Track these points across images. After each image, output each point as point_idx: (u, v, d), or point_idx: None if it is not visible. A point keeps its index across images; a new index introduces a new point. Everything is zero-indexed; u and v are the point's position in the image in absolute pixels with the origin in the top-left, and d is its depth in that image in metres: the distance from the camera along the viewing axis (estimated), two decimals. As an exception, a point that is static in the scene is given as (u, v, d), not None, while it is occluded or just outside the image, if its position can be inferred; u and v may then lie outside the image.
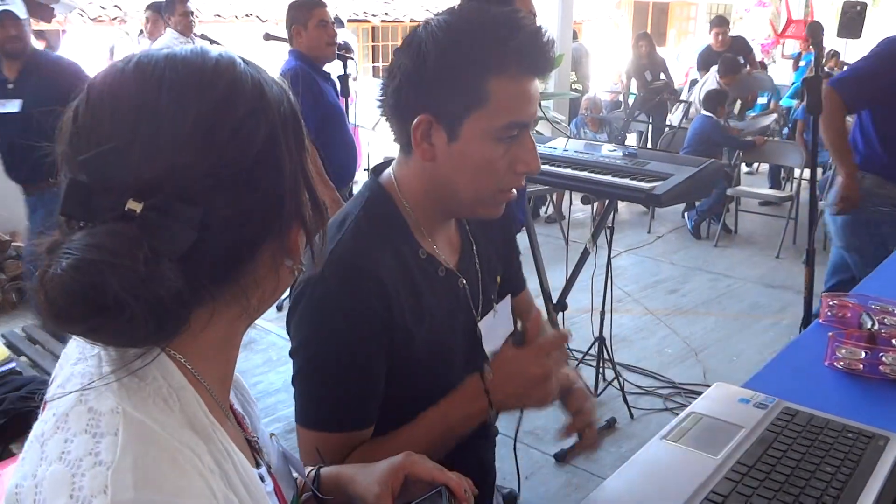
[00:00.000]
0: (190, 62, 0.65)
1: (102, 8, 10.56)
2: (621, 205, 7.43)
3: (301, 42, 3.36)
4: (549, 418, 3.61)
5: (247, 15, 11.92)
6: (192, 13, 5.52)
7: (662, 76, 8.40)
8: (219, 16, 11.50)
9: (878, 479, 1.07)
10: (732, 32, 8.33)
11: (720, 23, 7.85)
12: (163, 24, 5.62)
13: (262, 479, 0.74)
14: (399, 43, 1.11)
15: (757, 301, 5.19)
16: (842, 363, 1.47)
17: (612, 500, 1.04)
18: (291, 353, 1.14)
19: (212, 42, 5.45)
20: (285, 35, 4.14)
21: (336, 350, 1.08)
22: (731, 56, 7.27)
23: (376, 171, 1.23)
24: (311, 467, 0.99)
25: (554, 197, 6.86)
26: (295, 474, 0.90)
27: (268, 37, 4.30)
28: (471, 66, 1.04)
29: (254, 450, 0.79)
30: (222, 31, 7.34)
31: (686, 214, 6.71)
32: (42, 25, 5.91)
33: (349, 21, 13.09)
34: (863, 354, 1.45)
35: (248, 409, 0.86)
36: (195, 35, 5.55)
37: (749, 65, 7.84)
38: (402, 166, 1.17)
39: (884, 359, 1.43)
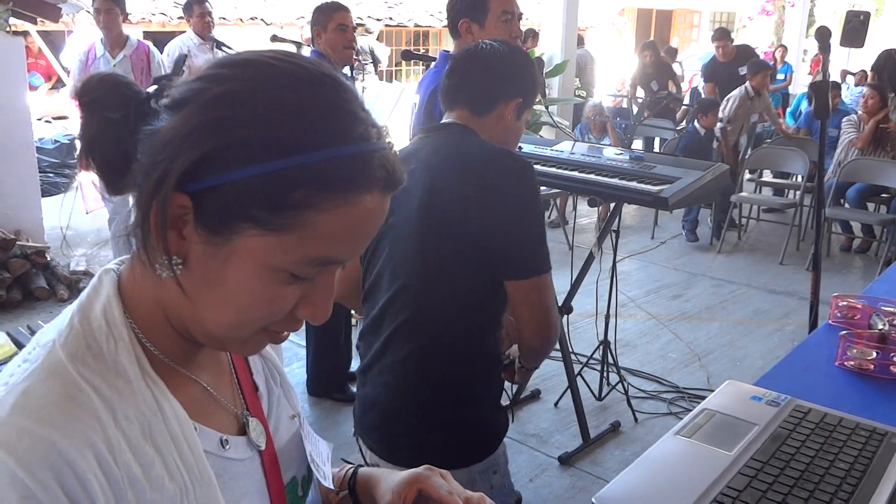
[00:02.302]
0: None
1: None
2: (625, 211, 7.41)
3: (320, 43, 3.43)
4: (553, 421, 3.62)
5: (252, 18, 11.97)
6: (209, 14, 5.58)
7: (671, 84, 8.44)
8: (224, 19, 11.54)
9: (892, 477, 1.07)
10: (737, 41, 8.36)
11: (721, 36, 7.86)
12: (119, 16, 4.60)
13: (222, 444, 0.76)
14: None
15: (760, 307, 5.20)
16: (852, 363, 1.47)
17: (625, 495, 1.04)
18: None
19: (219, 45, 5.48)
20: (292, 38, 4.19)
21: None
22: (757, 60, 7.29)
23: None
24: (350, 465, 1.00)
25: (558, 202, 6.87)
26: (316, 456, 0.90)
27: (275, 38, 4.32)
28: None
29: (241, 422, 0.81)
30: (228, 35, 7.36)
31: (682, 224, 6.75)
32: (50, 26, 5.92)
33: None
34: (874, 354, 1.45)
35: (272, 388, 0.88)
36: (212, 37, 5.61)
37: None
38: None
39: (894, 359, 1.44)
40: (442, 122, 1.75)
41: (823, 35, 2.47)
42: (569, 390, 3.45)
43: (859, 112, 6.79)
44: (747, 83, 6.96)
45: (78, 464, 0.62)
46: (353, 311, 4.21)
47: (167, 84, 0.70)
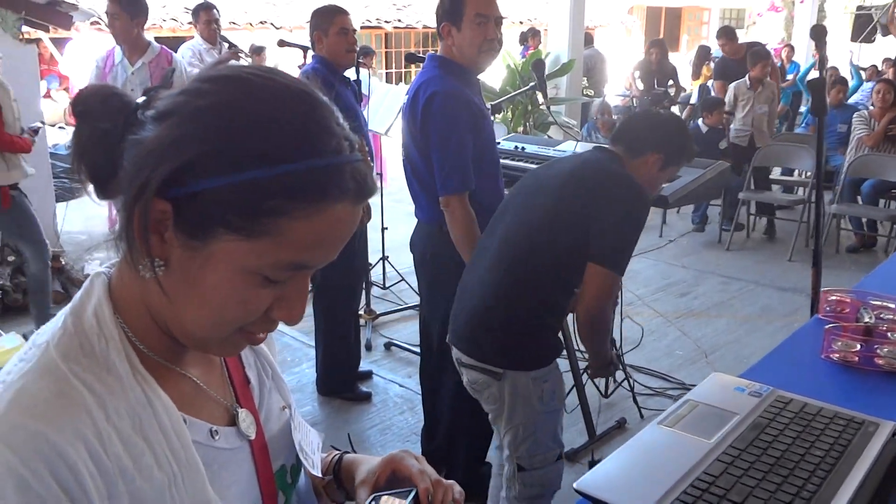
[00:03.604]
0: None
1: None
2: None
3: (321, 48, 3.43)
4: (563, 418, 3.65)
5: (261, 22, 12.05)
6: (216, 21, 5.69)
7: (671, 83, 8.44)
8: (234, 23, 11.63)
9: (866, 463, 1.11)
10: (747, 38, 8.33)
11: (724, 34, 7.79)
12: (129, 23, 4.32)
13: (212, 434, 0.81)
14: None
15: (768, 304, 5.21)
16: (837, 355, 1.51)
17: (605, 481, 1.08)
18: None
19: (231, 46, 5.58)
20: (299, 42, 4.23)
21: None
22: (757, 48, 7.23)
23: None
24: (336, 452, 1.05)
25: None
26: (305, 446, 0.95)
27: (282, 43, 4.38)
28: None
29: (231, 413, 0.86)
30: (238, 38, 7.44)
31: (692, 219, 6.79)
32: (62, 33, 6.01)
33: (362, 28, 13.18)
34: (858, 347, 1.48)
35: (264, 380, 0.93)
36: (221, 41, 5.72)
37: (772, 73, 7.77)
38: None
39: (878, 351, 1.47)
40: (599, 159, 2.26)
41: (819, 33, 2.49)
42: (575, 388, 3.49)
43: (871, 107, 6.78)
44: (747, 75, 6.95)
45: (69, 456, 0.67)
46: (360, 312, 4.27)
47: (155, 96, 0.75)
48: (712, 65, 9.23)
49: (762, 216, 6.93)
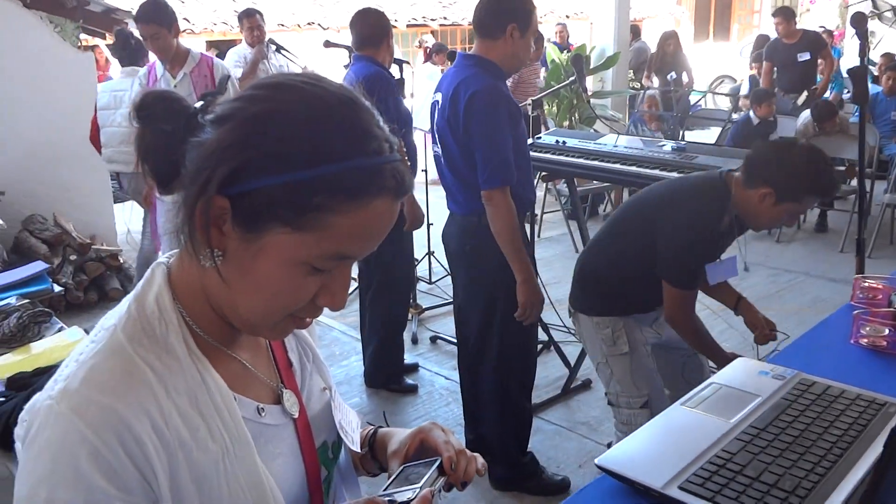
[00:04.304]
0: None
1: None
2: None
3: (380, 51, 3.56)
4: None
5: (309, 23, 12.23)
6: (258, 28, 5.90)
7: (685, 76, 8.36)
8: (282, 25, 11.83)
9: (882, 442, 1.13)
10: (801, 25, 8.10)
11: (781, 13, 7.49)
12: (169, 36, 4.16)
13: (259, 412, 0.89)
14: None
15: (819, 295, 5.13)
16: (866, 340, 1.52)
17: (625, 458, 1.12)
18: None
19: (279, 48, 5.74)
20: (344, 43, 4.32)
21: None
22: (823, 103, 6.88)
23: None
24: (371, 427, 1.12)
25: (612, 195, 6.89)
26: (346, 424, 1.02)
27: (328, 44, 4.48)
28: None
29: (277, 393, 0.94)
30: (286, 40, 7.60)
31: None
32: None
33: (408, 26, 13.29)
34: (886, 332, 1.50)
35: (305, 363, 1.01)
36: (268, 44, 5.91)
37: (825, 63, 7.58)
38: None
39: (907, 335, 1.48)
40: (708, 176, 2.43)
41: (859, 21, 2.48)
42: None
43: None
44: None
45: (135, 427, 0.75)
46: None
47: (212, 101, 0.83)
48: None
49: (814, 207, 6.82)
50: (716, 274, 2.38)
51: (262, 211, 0.76)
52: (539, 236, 6.58)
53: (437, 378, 4.04)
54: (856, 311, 1.56)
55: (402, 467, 0.98)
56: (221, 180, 0.75)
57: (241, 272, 0.79)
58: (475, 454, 0.98)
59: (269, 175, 0.75)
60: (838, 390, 1.30)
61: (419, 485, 0.91)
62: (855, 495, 1.02)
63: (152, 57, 4.34)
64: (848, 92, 8.08)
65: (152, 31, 3.90)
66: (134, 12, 4.18)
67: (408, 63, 5.15)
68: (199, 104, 0.84)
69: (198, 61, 4.16)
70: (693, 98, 8.67)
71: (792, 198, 2.16)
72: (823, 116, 6.47)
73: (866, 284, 1.73)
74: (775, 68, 7.55)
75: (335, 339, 4.56)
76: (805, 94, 7.44)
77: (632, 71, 9.27)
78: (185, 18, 11.38)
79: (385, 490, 0.94)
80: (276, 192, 0.75)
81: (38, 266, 2.77)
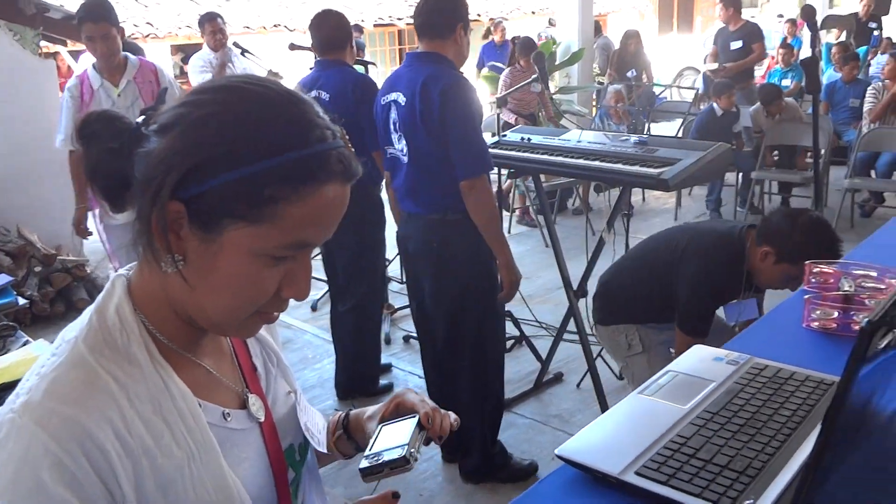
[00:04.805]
0: None
1: (136, 26, 10.90)
2: (648, 193, 7.48)
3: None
4: (575, 401, 3.73)
5: (275, 25, 12.18)
6: (220, 31, 5.89)
7: (644, 75, 8.45)
8: (248, 27, 11.77)
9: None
10: (761, 15, 8.23)
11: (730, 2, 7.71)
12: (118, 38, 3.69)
13: (224, 417, 0.91)
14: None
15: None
16: (816, 323, 1.57)
17: (584, 446, 1.16)
18: None
19: (243, 51, 5.74)
20: (309, 45, 4.31)
21: None
22: (769, 85, 7.16)
23: None
24: (341, 411, 1.17)
25: (580, 189, 6.95)
26: (311, 426, 1.05)
27: (293, 47, 4.48)
28: None
29: (242, 398, 0.96)
30: (251, 42, 7.57)
31: (706, 204, 6.80)
32: (78, 45, 6.16)
33: (375, 26, 13.28)
34: (836, 314, 1.55)
35: (270, 368, 1.03)
36: (230, 47, 5.92)
37: (755, 53, 7.72)
38: None
39: (855, 317, 1.53)
40: (729, 230, 2.67)
41: (809, 14, 2.54)
42: (588, 371, 3.56)
43: (883, 81, 6.75)
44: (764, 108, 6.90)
45: (98, 437, 0.77)
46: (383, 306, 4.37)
47: (153, 113, 0.85)
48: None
49: (778, 195, 6.93)
50: (734, 314, 2.61)
51: (216, 210, 0.78)
52: (510, 232, 6.63)
53: (412, 377, 4.07)
54: (807, 296, 1.61)
55: (380, 426, 1.03)
56: (174, 185, 0.78)
57: (204, 273, 0.81)
58: (448, 412, 1.04)
59: (219, 174, 0.77)
60: (788, 372, 1.34)
61: (406, 442, 0.95)
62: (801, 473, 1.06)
63: (78, 68, 3.79)
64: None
65: (104, 30, 3.51)
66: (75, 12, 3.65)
67: (374, 64, 5.17)
68: (140, 119, 0.86)
69: (138, 67, 3.75)
70: (657, 90, 8.77)
71: (789, 259, 2.39)
72: (769, 98, 6.63)
73: (818, 269, 1.78)
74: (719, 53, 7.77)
75: (308, 343, 4.56)
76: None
77: (597, 66, 9.35)
78: (148, 23, 11.29)
79: (370, 451, 0.97)
80: (228, 189, 0.78)
81: (1, 279, 2.75)
